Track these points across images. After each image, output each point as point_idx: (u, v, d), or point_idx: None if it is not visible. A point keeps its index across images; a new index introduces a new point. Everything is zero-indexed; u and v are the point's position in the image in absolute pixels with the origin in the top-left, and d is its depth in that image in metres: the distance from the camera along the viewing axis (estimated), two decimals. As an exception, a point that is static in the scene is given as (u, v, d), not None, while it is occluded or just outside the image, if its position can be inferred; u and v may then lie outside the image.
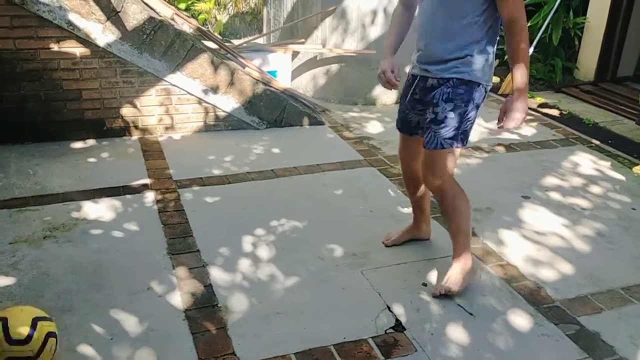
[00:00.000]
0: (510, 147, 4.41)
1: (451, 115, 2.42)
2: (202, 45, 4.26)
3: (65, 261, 2.76)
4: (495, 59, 2.53)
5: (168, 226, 3.10)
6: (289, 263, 2.83)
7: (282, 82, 4.97)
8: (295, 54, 5.35)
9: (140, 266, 2.75)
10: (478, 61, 2.39)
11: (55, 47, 3.87)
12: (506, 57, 2.47)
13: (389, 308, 2.52)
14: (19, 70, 3.85)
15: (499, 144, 4.43)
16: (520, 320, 2.48)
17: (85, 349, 2.22)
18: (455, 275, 2.61)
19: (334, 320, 2.43)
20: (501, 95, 5.68)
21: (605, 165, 4.16)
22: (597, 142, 4.56)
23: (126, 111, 4.18)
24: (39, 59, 3.86)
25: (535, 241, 3.12)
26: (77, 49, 3.91)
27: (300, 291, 2.64)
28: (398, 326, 2.42)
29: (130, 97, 4.14)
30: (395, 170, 3.91)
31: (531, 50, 5.64)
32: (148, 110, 4.23)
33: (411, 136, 2.71)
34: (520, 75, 2.33)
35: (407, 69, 2.67)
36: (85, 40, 3.89)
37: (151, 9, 4.19)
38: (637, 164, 4.15)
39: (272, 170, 3.83)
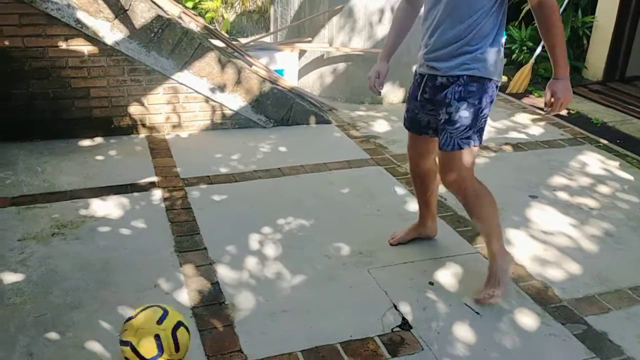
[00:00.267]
0: (517, 146, 4.40)
1: (465, 114, 2.35)
2: (209, 44, 4.27)
3: (73, 258, 2.78)
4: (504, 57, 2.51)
5: (175, 224, 3.11)
6: (296, 261, 2.84)
7: (289, 80, 4.98)
8: (302, 53, 5.36)
9: (148, 263, 2.76)
10: (489, 56, 2.32)
11: (63, 45, 3.89)
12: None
13: (395, 306, 2.52)
14: (28, 68, 3.87)
15: (506, 143, 4.41)
16: (527, 319, 2.48)
17: (94, 346, 2.23)
18: (495, 277, 2.55)
19: (341, 319, 2.44)
20: (509, 94, 5.67)
21: (613, 165, 4.14)
22: (606, 142, 4.54)
23: (134, 109, 4.19)
24: (47, 57, 3.89)
25: (543, 241, 3.11)
26: (85, 47, 3.93)
27: (307, 289, 2.64)
28: (404, 325, 2.42)
29: (137, 95, 4.16)
30: (402, 169, 3.91)
31: (539, 49, 5.63)
32: (155, 108, 4.24)
33: (420, 135, 2.66)
34: (562, 56, 2.24)
35: (414, 68, 2.65)
36: (93, 39, 3.91)
37: (159, 7, 4.21)
38: (645, 164, 4.13)
39: (278, 168, 3.84)
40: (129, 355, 2.02)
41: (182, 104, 4.29)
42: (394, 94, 5.36)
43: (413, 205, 3.42)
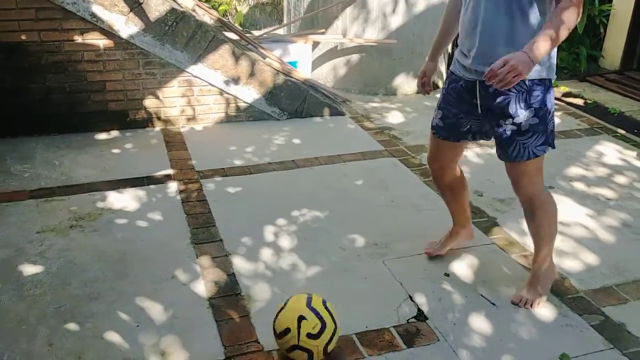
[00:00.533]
0: (533, 136, 4.36)
1: (535, 121, 2.19)
2: (223, 37, 4.28)
3: (91, 250, 2.81)
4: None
5: (191, 216, 3.14)
6: (311, 253, 2.84)
7: (303, 72, 4.97)
8: (315, 44, 5.34)
9: (165, 255, 2.79)
10: (546, 56, 2.11)
11: (79, 39, 3.91)
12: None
13: (410, 298, 2.52)
14: (44, 62, 3.91)
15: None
16: (544, 310, 2.47)
17: (112, 336, 2.26)
18: (538, 282, 2.48)
19: (356, 309, 2.44)
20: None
21: (630, 155, 4.09)
22: (623, 132, 4.49)
23: (149, 102, 4.22)
24: (63, 51, 3.92)
25: (560, 232, 3.06)
26: (100, 41, 3.96)
27: (322, 281, 2.65)
28: (420, 315, 2.42)
29: (152, 88, 4.18)
30: (416, 160, 3.90)
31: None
32: (170, 101, 4.26)
33: (458, 142, 2.47)
34: (545, 44, 1.94)
35: (450, 69, 2.41)
36: (108, 32, 3.93)
37: (173, 0, 4.22)
38: (664, 154, 4.08)
39: (293, 160, 3.85)
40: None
41: (197, 97, 4.30)
42: (407, 85, 5.33)
43: (428, 197, 3.41)
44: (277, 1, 8.07)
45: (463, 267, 2.74)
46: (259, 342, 2.25)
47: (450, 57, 2.64)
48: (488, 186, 3.55)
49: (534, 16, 2.09)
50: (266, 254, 2.83)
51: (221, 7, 7.68)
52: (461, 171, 2.67)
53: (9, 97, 3.91)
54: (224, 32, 4.54)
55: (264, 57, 4.58)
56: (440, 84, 5.14)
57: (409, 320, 2.39)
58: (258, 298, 2.51)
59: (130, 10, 3.90)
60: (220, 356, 2.18)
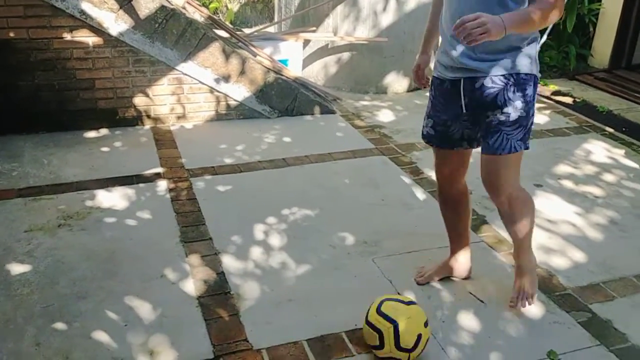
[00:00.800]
0: (522, 135, 4.38)
1: (523, 114, 2.16)
2: (213, 34, 4.27)
3: (79, 249, 2.80)
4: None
5: (180, 214, 3.13)
6: (301, 251, 2.85)
7: (293, 70, 4.97)
8: (306, 43, 5.34)
9: (154, 254, 2.78)
10: (532, 50, 2.14)
11: (68, 36, 3.89)
12: None
13: (400, 295, 2.53)
14: (33, 59, 3.88)
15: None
16: (532, 307, 2.48)
17: (100, 335, 2.25)
18: (527, 288, 2.42)
19: (346, 308, 2.45)
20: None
21: (619, 153, 4.12)
22: (611, 130, 4.52)
23: (138, 100, 4.20)
24: (52, 49, 3.89)
25: (548, 229, 3.11)
26: (90, 39, 3.94)
27: (312, 279, 2.65)
28: (409, 313, 2.42)
29: (142, 86, 4.17)
30: (406, 158, 3.91)
31: (544, 37, 5.58)
32: (160, 99, 4.25)
33: (453, 150, 2.40)
34: (519, 23, 1.91)
35: (433, 74, 2.37)
36: (97, 30, 3.91)
37: (162, -2, 4.20)
38: (651, 152, 4.11)
39: (283, 159, 3.85)
40: (386, 332, 2.10)
41: (187, 95, 4.29)
42: (398, 83, 5.34)
43: (418, 195, 3.42)
44: (268, -1, 8.06)
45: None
46: (248, 341, 2.25)
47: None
48: (477, 184, 3.51)
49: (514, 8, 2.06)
50: (256, 252, 2.83)
51: (212, 5, 7.65)
52: (466, 187, 2.57)
53: (-3, 95, 3.89)
54: (214, 30, 4.53)
55: (255, 55, 4.57)
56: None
57: (398, 318, 2.40)
58: (247, 296, 2.51)
59: (120, 8, 3.88)
60: (209, 355, 2.18)
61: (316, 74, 5.45)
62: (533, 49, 2.18)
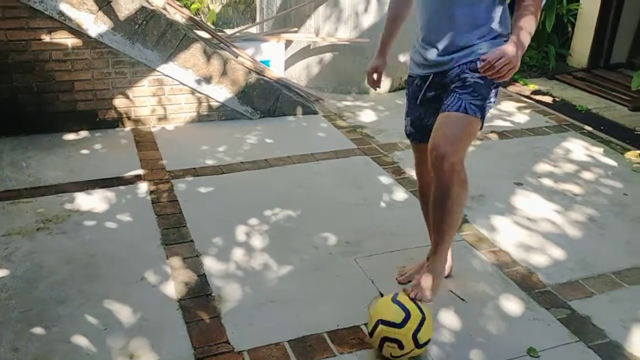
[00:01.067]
0: (503, 134, 4.42)
1: (481, 82, 2.15)
2: (194, 35, 4.25)
3: (59, 252, 2.77)
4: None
5: (161, 217, 3.11)
6: (283, 252, 2.84)
7: (276, 71, 4.96)
8: (288, 43, 5.34)
9: (134, 257, 2.76)
10: (503, 40, 2.18)
11: (46, 38, 3.85)
12: None
13: (381, 295, 2.53)
14: (11, 61, 3.83)
15: (492, 131, 4.43)
16: (512, 305, 2.51)
17: (79, 340, 2.23)
18: (436, 279, 2.37)
19: (328, 308, 2.45)
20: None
21: (597, 151, 4.17)
22: (590, 129, 4.58)
23: (119, 102, 4.17)
24: (30, 50, 3.85)
25: (527, 227, 3.14)
26: (68, 40, 3.90)
27: (294, 280, 2.65)
28: (391, 313, 2.43)
29: (122, 87, 4.13)
30: (388, 158, 3.92)
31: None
32: (141, 101, 4.22)
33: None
34: (527, 35, 2.01)
35: (409, 72, 2.46)
36: (76, 31, 3.87)
37: (142, -1, 4.17)
38: (629, 150, 4.17)
39: (265, 160, 3.84)
40: (414, 317, 2.12)
41: (168, 96, 4.26)
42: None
43: (399, 195, 3.44)
44: (250, 0, 8.04)
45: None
46: (229, 343, 2.24)
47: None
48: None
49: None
50: (237, 254, 2.82)
51: (193, 6, 7.61)
52: None
53: (-26, 98, 3.84)
54: (195, 31, 4.50)
55: (237, 55, 4.56)
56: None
57: (380, 318, 2.40)
58: (229, 298, 2.50)
59: (99, 9, 3.85)
60: (190, 358, 2.17)
61: (298, 74, 5.45)
62: (504, 37, 2.21)
